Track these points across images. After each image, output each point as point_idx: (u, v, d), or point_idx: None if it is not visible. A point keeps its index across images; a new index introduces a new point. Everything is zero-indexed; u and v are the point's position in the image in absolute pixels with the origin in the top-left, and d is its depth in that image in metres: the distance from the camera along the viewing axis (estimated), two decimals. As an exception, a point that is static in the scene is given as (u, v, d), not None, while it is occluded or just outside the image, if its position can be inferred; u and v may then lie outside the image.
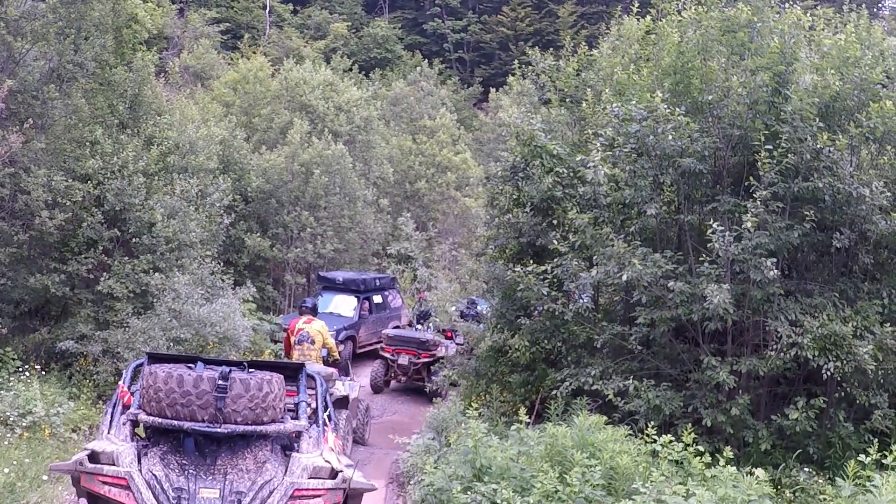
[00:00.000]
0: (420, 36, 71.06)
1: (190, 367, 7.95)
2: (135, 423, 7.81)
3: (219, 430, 7.35)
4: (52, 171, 18.18)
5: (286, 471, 7.50)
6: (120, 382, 8.57)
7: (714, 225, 12.18)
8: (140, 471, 7.17)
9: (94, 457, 7.32)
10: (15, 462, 12.95)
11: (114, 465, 7.21)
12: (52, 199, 17.94)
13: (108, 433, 7.79)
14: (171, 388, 7.46)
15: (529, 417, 11.63)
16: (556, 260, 14.10)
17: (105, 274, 18.90)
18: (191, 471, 7.25)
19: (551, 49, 18.94)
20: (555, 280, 14.42)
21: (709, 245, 12.39)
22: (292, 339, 15.53)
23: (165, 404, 7.45)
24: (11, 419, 14.69)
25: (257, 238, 29.33)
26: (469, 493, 9.99)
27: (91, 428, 16.44)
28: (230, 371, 7.68)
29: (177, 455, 7.39)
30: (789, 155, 12.20)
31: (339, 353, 16.53)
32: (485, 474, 10.39)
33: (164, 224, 19.68)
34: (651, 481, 9.03)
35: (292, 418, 8.26)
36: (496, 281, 16.83)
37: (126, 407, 8.03)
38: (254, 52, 47.47)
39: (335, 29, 62.93)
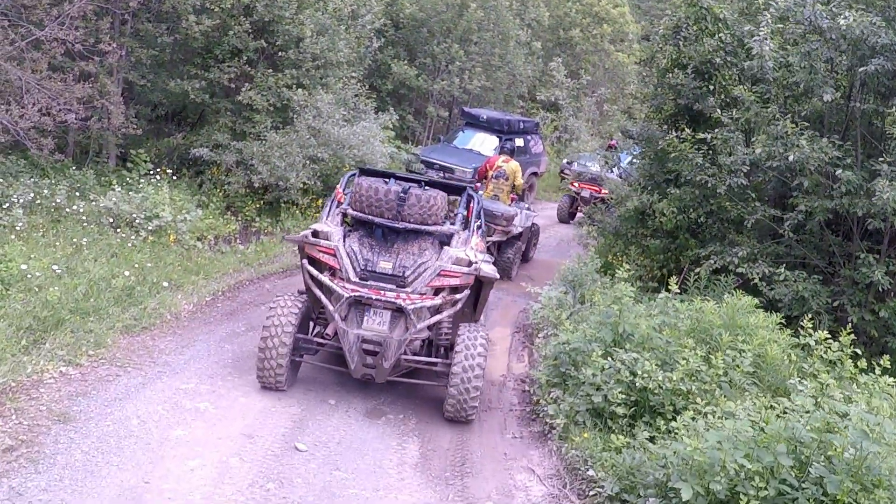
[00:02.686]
0: None
1: (385, 181, 10.73)
2: (344, 215, 10.90)
3: (397, 225, 10.32)
4: (201, -26, 17.70)
5: (438, 257, 10.23)
6: (337, 187, 11.59)
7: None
8: (343, 245, 10.12)
9: (315, 233, 10.26)
10: (137, 265, 12.82)
11: (328, 240, 10.15)
12: (199, 4, 17.55)
13: (326, 220, 10.81)
14: (370, 195, 10.48)
15: (676, 285, 10.94)
16: (715, 131, 13.17)
17: (247, 84, 18.48)
18: (376, 249, 10.22)
19: None
20: (710, 151, 13.58)
21: (886, 137, 11.37)
22: (490, 172, 18.07)
23: (365, 205, 10.51)
24: (137, 221, 14.62)
25: (404, 66, 28.48)
26: (608, 358, 9.40)
27: (216, 238, 16.46)
28: (410, 188, 10.56)
29: (369, 239, 10.38)
30: None
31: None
32: (626, 341, 9.81)
33: (313, 40, 19.16)
34: (808, 377, 8.26)
35: (451, 224, 11.03)
36: (647, 142, 15.95)
37: (339, 203, 11.12)
38: None
39: None
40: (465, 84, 29.92)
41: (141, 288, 12.15)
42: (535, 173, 27.09)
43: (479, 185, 17.60)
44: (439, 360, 10.33)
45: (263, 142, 18.02)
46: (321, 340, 10.37)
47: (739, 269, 12.67)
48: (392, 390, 10.71)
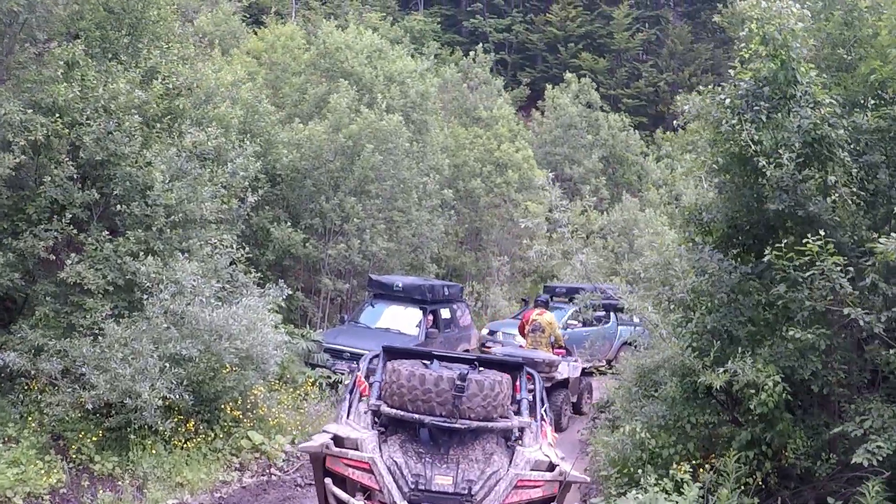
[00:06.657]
0: (458, 35, 65.81)
1: (426, 364, 9.33)
2: (376, 413, 9.03)
3: (455, 424, 8.65)
4: (2, 96, 12.79)
5: (510, 462, 8.68)
6: (357, 373, 9.90)
7: None
8: (381, 456, 8.50)
9: (337, 441, 8.61)
10: None
11: (357, 450, 8.54)
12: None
13: (347, 419, 9.21)
14: (414, 385, 8.87)
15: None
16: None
17: (74, 255, 13.72)
18: (427, 459, 8.59)
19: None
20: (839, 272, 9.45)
21: None
22: (527, 328, 17.88)
23: (407, 399, 8.89)
24: None
25: (287, 230, 22.86)
26: None
27: (29, 495, 11.11)
28: (468, 372, 8.91)
29: (413, 444, 8.78)
30: None
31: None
32: None
33: (166, 187, 14.12)
34: None
35: (515, 413, 9.42)
36: (710, 278, 10.86)
37: (363, 395, 9.44)
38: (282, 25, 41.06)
39: (368, 19, 57.25)
40: (366, 247, 24.26)
41: None
42: (465, 351, 21.68)
43: (521, 344, 17.85)
44: None
45: (100, 338, 12.94)
46: None
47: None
48: None
